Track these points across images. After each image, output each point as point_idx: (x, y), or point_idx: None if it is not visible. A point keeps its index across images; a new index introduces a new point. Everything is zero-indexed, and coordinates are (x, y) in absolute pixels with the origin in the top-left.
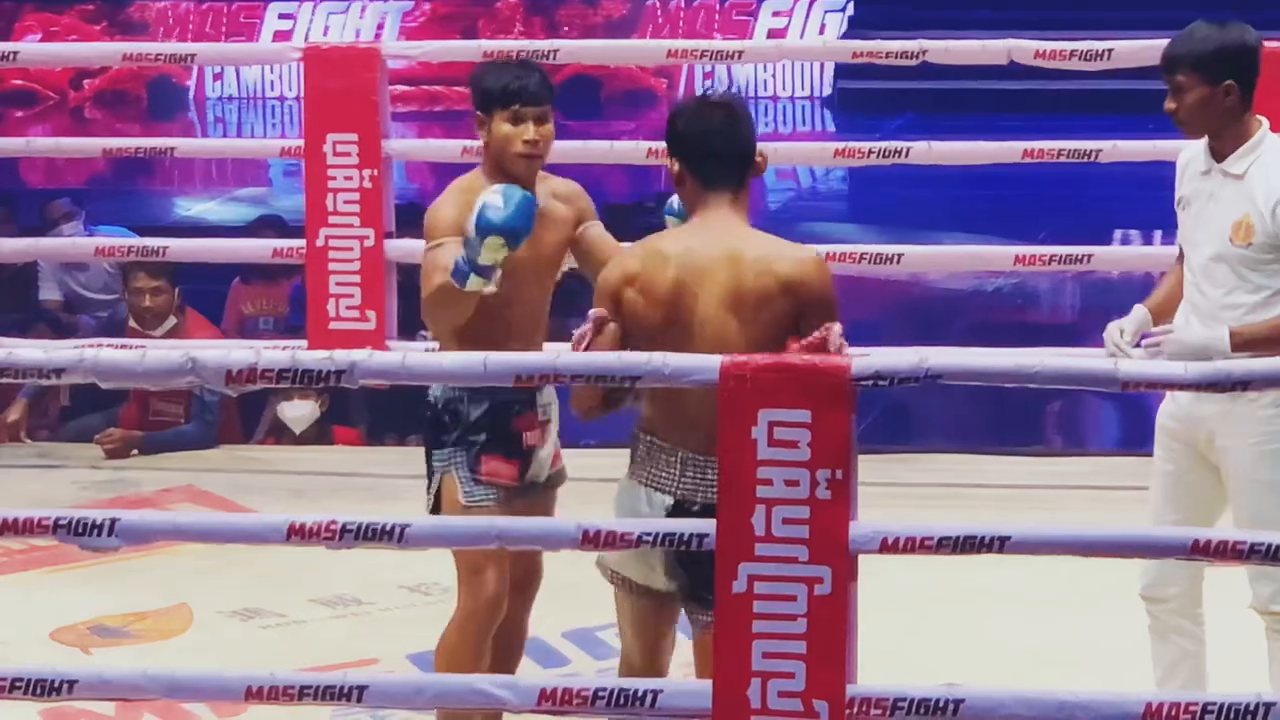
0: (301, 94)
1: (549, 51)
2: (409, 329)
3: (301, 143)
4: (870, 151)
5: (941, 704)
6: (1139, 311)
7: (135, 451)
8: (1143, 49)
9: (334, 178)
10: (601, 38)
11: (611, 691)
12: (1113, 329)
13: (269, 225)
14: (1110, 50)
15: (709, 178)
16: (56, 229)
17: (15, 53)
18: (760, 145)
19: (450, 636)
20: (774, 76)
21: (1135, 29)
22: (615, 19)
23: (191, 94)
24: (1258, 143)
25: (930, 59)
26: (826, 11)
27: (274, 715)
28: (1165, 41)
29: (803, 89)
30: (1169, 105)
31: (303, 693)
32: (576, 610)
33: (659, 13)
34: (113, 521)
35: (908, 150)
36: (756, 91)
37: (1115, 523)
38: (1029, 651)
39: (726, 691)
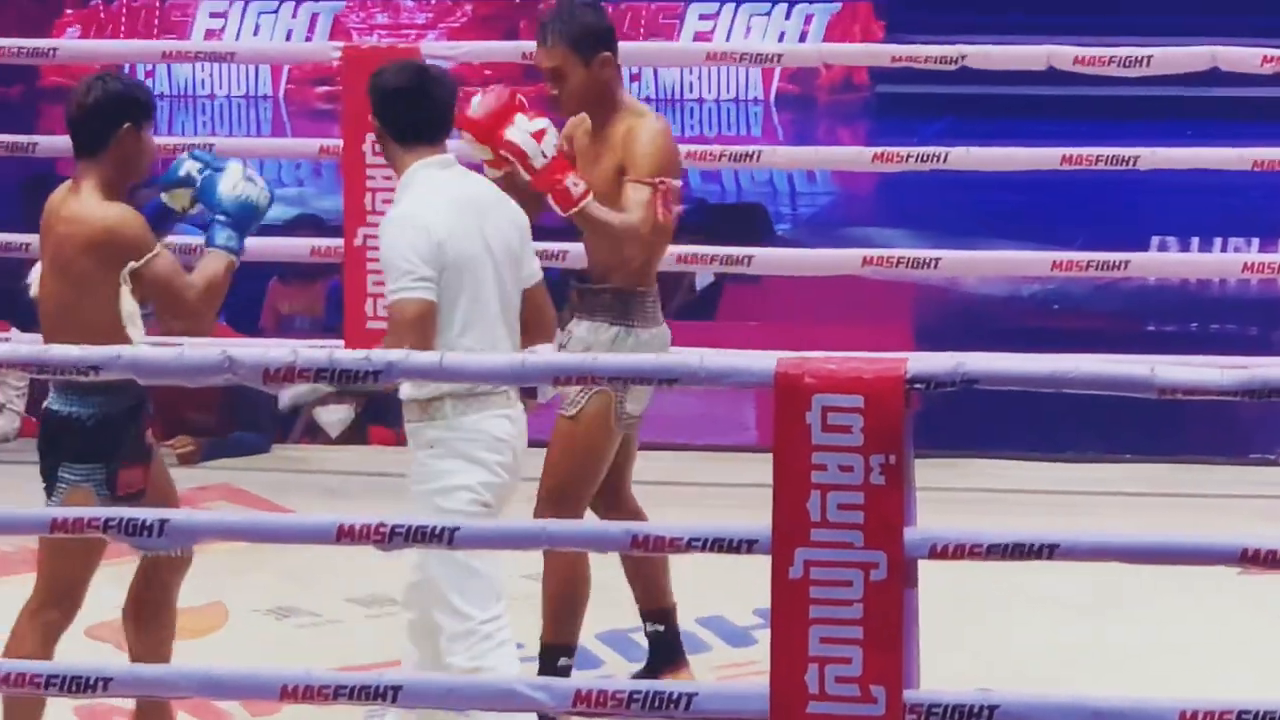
0: (248, 93)
1: None
2: None
3: (340, 142)
4: (909, 156)
5: (976, 710)
6: None
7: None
8: (1182, 56)
9: (372, 177)
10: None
11: (646, 693)
12: None
13: (307, 224)
14: (1149, 57)
15: None
16: None
17: (55, 49)
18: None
19: (22, 642)
20: (699, 79)
21: (1174, 35)
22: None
23: None
24: None
25: (969, 64)
26: (753, 16)
27: (308, 715)
28: (1205, 48)
29: (729, 92)
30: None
31: (338, 692)
32: (609, 611)
33: None
34: (162, 522)
35: (946, 155)
36: (682, 94)
37: (1150, 528)
38: (1061, 655)
39: (784, 678)
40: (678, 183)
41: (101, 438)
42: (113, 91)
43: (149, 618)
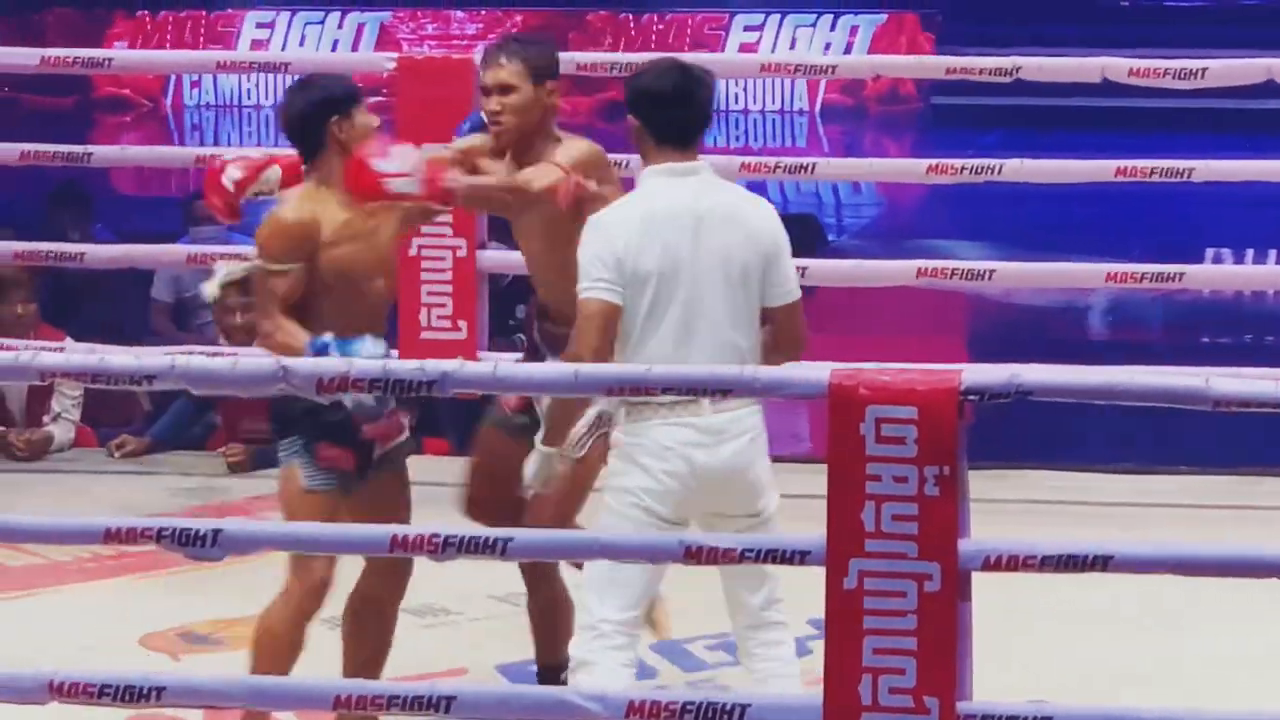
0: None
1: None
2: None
3: None
4: (963, 168)
5: None
6: None
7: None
8: (1237, 68)
9: None
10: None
11: (700, 705)
12: None
13: None
14: (1204, 69)
15: None
16: (196, 228)
17: (109, 59)
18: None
19: (271, 616)
20: (744, 90)
21: (1229, 48)
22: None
23: (169, 100)
24: None
25: (1024, 75)
26: (798, 27)
27: None
28: (1261, 60)
29: (774, 103)
30: None
31: (391, 702)
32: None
33: (632, 26)
34: (216, 532)
35: (1000, 167)
36: (727, 105)
37: (1206, 541)
38: (1115, 668)
39: (837, 688)
40: (594, 185)
41: (303, 415)
42: (311, 98)
43: (358, 632)
